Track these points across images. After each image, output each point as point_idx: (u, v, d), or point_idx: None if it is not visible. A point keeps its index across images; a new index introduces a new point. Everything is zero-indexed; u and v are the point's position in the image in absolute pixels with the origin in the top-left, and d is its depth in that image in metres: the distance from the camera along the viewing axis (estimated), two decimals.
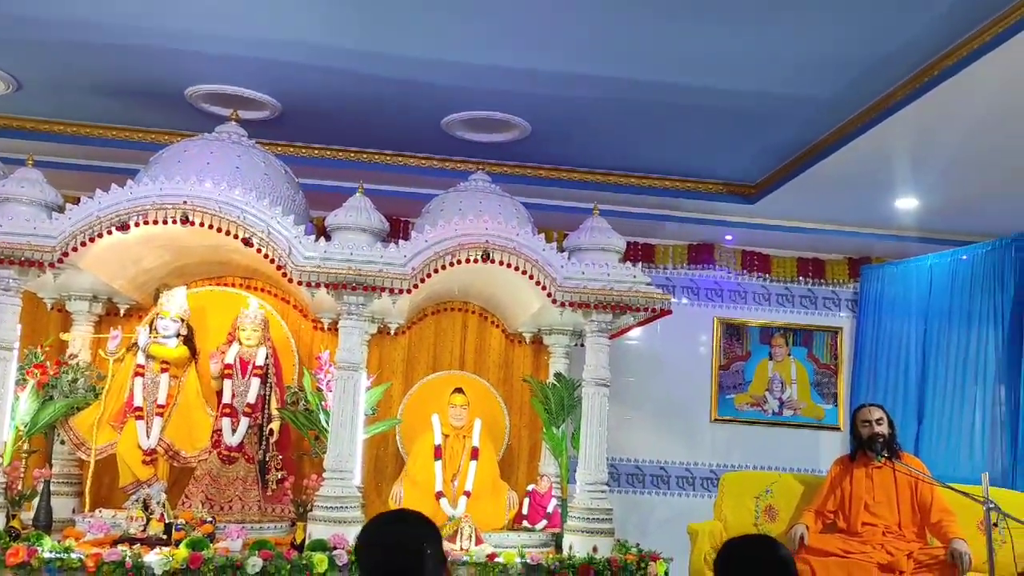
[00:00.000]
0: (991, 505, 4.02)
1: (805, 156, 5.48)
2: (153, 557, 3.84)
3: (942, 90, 4.26)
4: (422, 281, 4.43)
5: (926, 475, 4.79)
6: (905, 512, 4.74)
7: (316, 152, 5.84)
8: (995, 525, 4.11)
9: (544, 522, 4.82)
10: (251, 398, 4.79)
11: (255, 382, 4.81)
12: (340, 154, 5.87)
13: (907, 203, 6.07)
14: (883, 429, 4.86)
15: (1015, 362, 5.82)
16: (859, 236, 6.77)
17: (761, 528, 5.18)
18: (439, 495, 4.80)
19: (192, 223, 4.26)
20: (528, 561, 4.27)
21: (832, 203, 6.22)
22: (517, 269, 4.52)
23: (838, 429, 6.85)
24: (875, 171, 5.47)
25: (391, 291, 4.38)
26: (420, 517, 2.21)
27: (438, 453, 4.94)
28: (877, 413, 4.93)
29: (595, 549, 4.37)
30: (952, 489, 4.49)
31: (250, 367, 4.84)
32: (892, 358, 6.69)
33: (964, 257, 6.39)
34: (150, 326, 4.82)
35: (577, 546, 4.41)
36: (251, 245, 4.31)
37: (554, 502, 4.90)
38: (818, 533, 4.80)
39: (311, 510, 4.28)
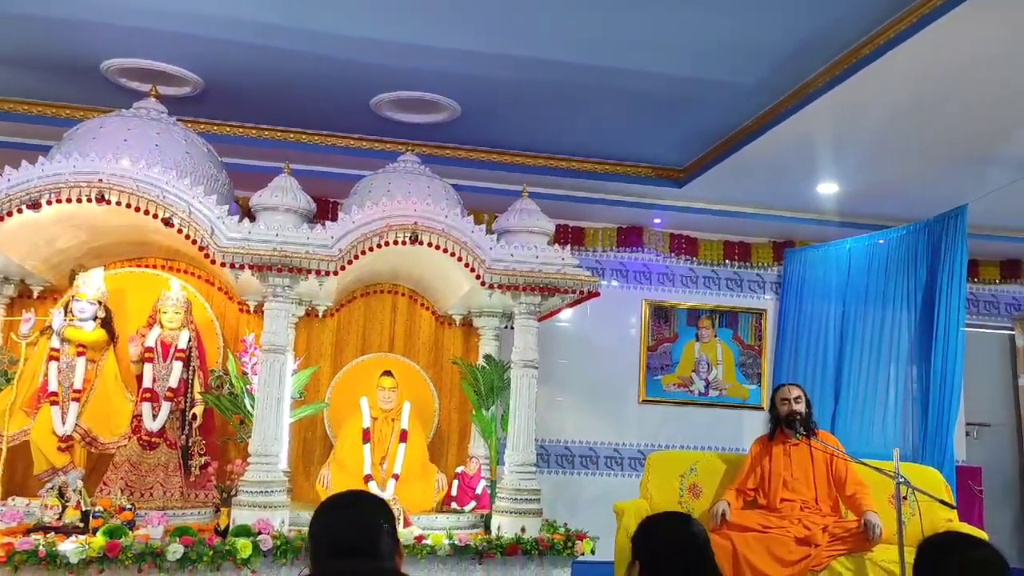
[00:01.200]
0: (901, 479, 4.19)
1: (731, 141, 5.59)
2: (68, 546, 3.73)
3: (860, 78, 4.38)
4: (349, 263, 4.38)
5: (840, 451, 4.95)
6: (821, 487, 4.91)
7: (240, 131, 5.70)
8: (905, 498, 4.29)
9: (473, 504, 4.84)
10: (173, 382, 4.67)
11: (177, 366, 4.69)
12: (266, 133, 5.75)
13: (828, 188, 6.25)
14: (800, 408, 5.01)
15: (926, 343, 6.05)
16: (783, 220, 6.95)
17: (685, 506, 5.30)
18: (367, 478, 4.77)
19: (108, 202, 4.12)
20: (456, 543, 4.29)
21: (757, 188, 6.36)
22: (446, 251, 4.50)
23: (762, 409, 7.03)
24: (797, 156, 5.61)
25: (318, 273, 4.32)
26: (375, 498, 2.21)
27: (366, 436, 4.91)
28: (795, 392, 5.08)
29: (523, 529, 4.42)
30: (865, 464, 4.66)
31: (172, 350, 4.72)
32: (812, 339, 6.91)
33: (881, 241, 6.61)
34: (65, 308, 4.65)
35: (505, 527, 4.44)
36: (171, 225, 4.19)
37: (483, 484, 4.92)
38: (739, 510, 4.93)
39: (235, 495, 4.21)
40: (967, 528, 4.78)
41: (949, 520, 4.81)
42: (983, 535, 4.63)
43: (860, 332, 6.56)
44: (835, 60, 4.43)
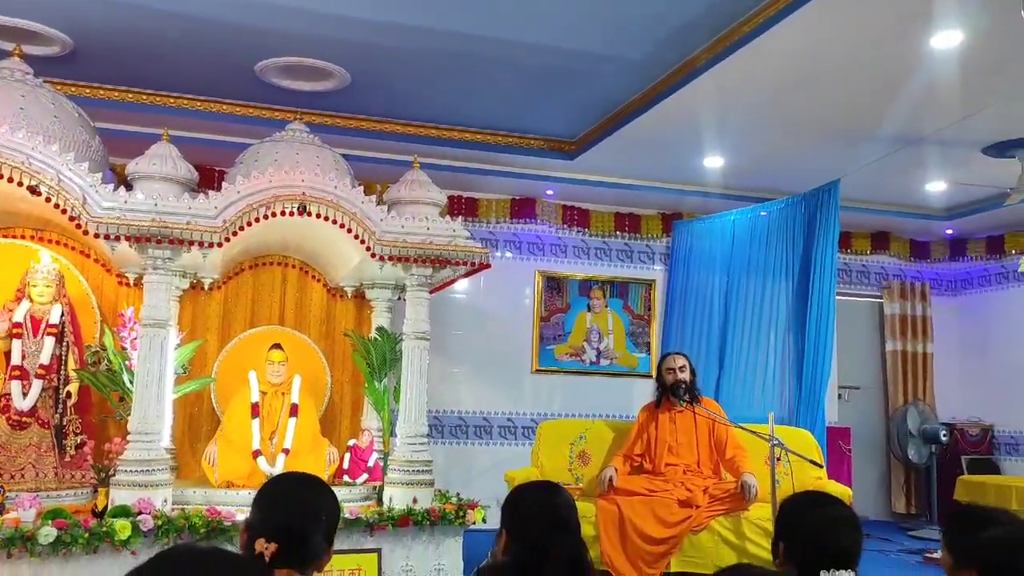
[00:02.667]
0: (775, 441, 4.41)
1: (620, 114, 5.68)
2: None
3: (740, 56, 4.52)
4: (234, 234, 4.26)
5: (722, 417, 5.17)
6: (703, 452, 5.12)
7: (115, 94, 5.43)
8: (779, 459, 4.52)
9: (365, 476, 4.81)
10: (44, 359, 4.44)
11: (49, 341, 4.47)
12: (143, 97, 5.49)
13: (714, 162, 6.45)
14: (685, 376, 5.19)
15: (802, 311, 6.35)
16: (671, 192, 7.13)
17: (574, 472, 5.43)
18: (256, 453, 4.68)
19: None
20: (347, 515, 4.26)
21: (647, 160, 6.50)
22: (335, 222, 4.42)
23: (651, 377, 7.23)
24: (684, 130, 5.76)
25: (200, 244, 4.18)
26: (325, 490, 2.10)
27: (255, 411, 4.80)
28: (680, 361, 5.25)
29: (415, 500, 4.44)
30: (743, 429, 4.88)
31: (43, 326, 4.49)
32: (698, 308, 7.15)
33: (763, 213, 6.87)
34: None
35: (397, 498, 4.45)
36: (39, 194, 3.97)
37: (375, 456, 4.90)
38: (626, 475, 5.09)
39: (114, 475, 4.07)
40: (834, 485, 5.08)
41: (819, 478, 5.10)
42: (848, 492, 4.94)
43: (743, 301, 6.82)
44: (717, 38, 4.55)
